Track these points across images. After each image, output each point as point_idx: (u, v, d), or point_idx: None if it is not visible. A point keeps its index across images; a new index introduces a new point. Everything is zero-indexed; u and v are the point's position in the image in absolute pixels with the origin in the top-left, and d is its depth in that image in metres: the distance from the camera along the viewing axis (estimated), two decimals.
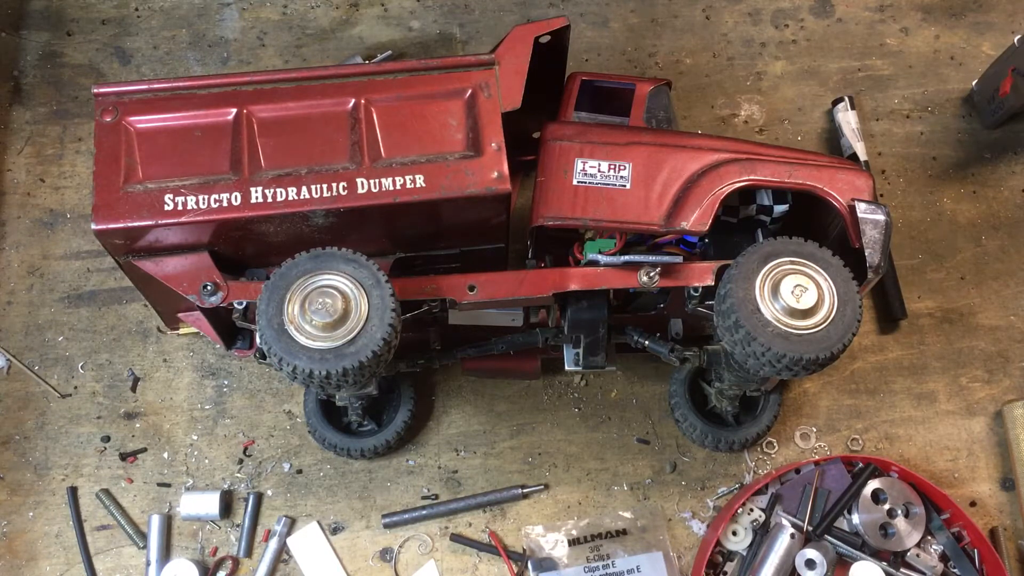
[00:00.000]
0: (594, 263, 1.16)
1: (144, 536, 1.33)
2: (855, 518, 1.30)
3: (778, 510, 1.32)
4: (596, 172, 1.19)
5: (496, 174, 1.12)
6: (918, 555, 1.29)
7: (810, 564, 1.26)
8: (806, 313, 1.05)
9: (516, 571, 1.32)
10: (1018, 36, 1.46)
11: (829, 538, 1.30)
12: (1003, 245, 1.53)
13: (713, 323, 1.12)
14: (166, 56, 1.62)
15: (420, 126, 1.14)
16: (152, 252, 1.13)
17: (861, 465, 1.33)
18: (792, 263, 1.07)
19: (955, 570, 1.29)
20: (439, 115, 1.15)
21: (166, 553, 1.33)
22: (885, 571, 1.27)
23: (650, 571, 1.32)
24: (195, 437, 1.39)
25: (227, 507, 1.35)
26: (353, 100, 1.15)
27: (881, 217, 1.17)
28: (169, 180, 1.10)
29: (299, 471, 1.37)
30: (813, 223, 1.26)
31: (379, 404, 1.36)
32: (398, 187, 1.11)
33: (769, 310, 1.05)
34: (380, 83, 1.16)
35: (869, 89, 1.63)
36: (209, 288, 1.12)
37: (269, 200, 1.09)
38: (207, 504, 1.33)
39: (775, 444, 1.40)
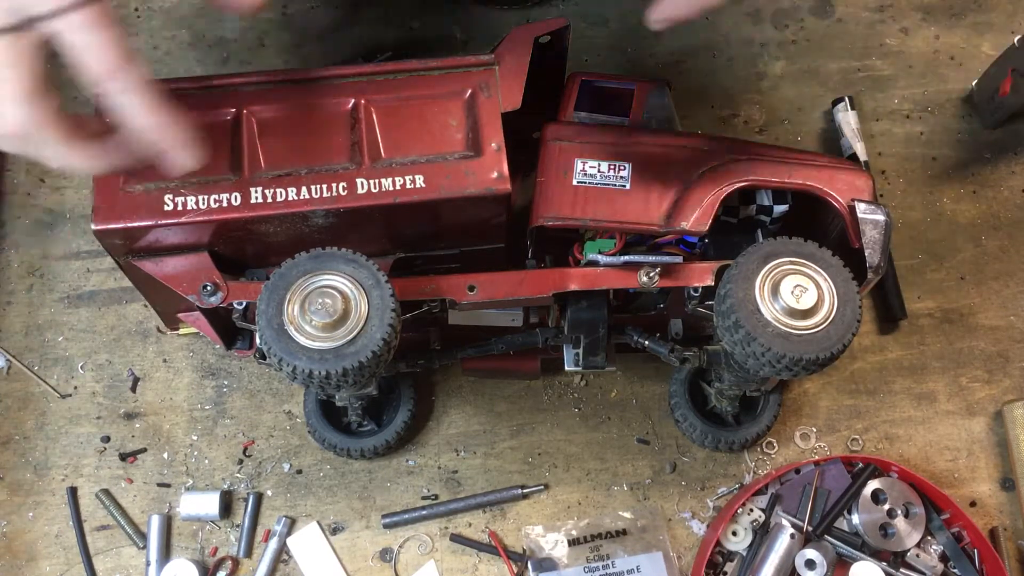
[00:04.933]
0: (594, 263, 1.16)
1: (144, 536, 1.33)
2: (855, 518, 1.30)
3: (778, 510, 1.32)
4: (596, 172, 1.19)
5: (496, 174, 1.12)
6: (918, 555, 1.29)
7: (810, 564, 1.26)
8: (806, 313, 1.05)
9: (516, 571, 1.32)
10: (1018, 36, 1.46)
11: (829, 538, 1.30)
12: (1003, 245, 1.53)
13: (713, 323, 1.12)
14: (166, 56, 1.62)
15: (420, 126, 1.14)
16: (152, 252, 1.13)
17: (861, 465, 1.33)
18: (792, 263, 1.07)
19: (955, 570, 1.29)
20: (439, 115, 1.15)
21: (166, 553, 1.33)
22: (885, 571, 1.27)
23: (650, 571, 1.32)
24: (195, 437, 1.39)
25: (227, 507, 1.35)
26: (353, 100, 1.15)
27: (881, 217, 1.16)
28: (169, 180, 1.10)
29: (299, 471, 1.37)
30: (813, 223, 1.26)
31: (379, 404, 1.36)
32: (398, 187, 1.11)
33: (769, 310, 1.05)
34: (380, 83, 1.16)
35: (869, 89, 1.62)
36: (209, 288, 1.12)
37: (269, 200, 1.09)
38: (207, 504, 1.33)
39: (775, 444, 1.40)
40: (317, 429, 1.34)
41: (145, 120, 0.92)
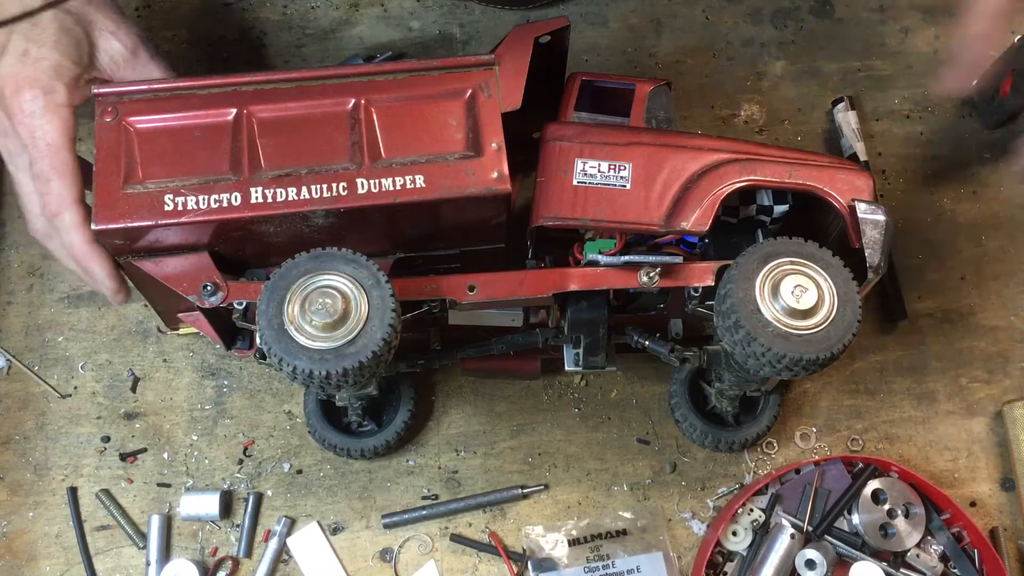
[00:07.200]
0: (594, 263, 1.16)
1: (144, 536, 1.33)
2: (855, 518, 1.30)
3: (778, 510, 1.32)
4: (596, 172, 1.19)
5: (496, 174, 1.12)
6: (918, 555, 1.29)
7: (810, 564, 1.26)
8: (806, 313, 1.05)
9: (516, 571, 1.32)
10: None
11: (829, 538, 1.30)
12: (1003, 245, 1.53)
13: (713, 323, 1.12)
14: (166, 56, 1.61)
15: (420, 126, 1.14)
16: (152, 252, 1.13)
17: (861, 465, 1.33)
18: (792, 263, 1.07)
19: (955, 570, 1.29)
20: (439, 115, 1.15)
21: (166, 553, 1.33)
22: (885, 571, 1.27)
23: (650, 571, 1.32)
24: (195, 437, 1.39)
25: (227, 507, 1.35)
26: (353, 100, 1.15)
27: (881, 217, 1.17)
28: (169, 180, 1.10)
29: (299, 471, 1.37)
30: (813, 223, 1.26)
31: (379, 404, 1.36)
32: (398, 187, 1.11)
33: (769, 310, 1.05)
34: (380, 83, 1.16)
35: (869, 89, 1.62)
36: (209, 288, 1.12)
37: (269, 200, 1.09)
38: (207, 504, 1.33)
39: (775, 444, 1.40)
40: (317, 429, 1.34)
41: (68, 261, 1.16)
